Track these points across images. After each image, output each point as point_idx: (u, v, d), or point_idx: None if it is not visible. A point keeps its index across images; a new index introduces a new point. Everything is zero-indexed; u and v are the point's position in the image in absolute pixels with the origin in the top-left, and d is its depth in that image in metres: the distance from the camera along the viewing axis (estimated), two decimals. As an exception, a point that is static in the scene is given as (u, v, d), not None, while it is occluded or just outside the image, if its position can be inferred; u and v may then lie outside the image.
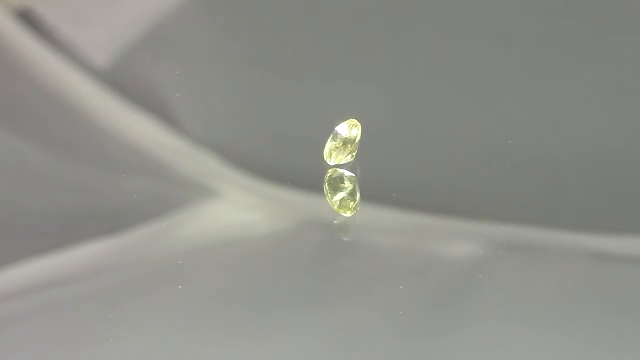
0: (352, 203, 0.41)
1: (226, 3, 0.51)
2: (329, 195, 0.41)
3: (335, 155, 0.42)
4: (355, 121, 0.42)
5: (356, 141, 0.42)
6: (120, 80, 0.47)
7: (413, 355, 0.38)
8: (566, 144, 0.44)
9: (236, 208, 0.43)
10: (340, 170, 0.42)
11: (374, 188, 0.42)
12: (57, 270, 0.41)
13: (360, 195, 0.41)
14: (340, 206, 0.41)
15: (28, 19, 0.49)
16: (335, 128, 0.42)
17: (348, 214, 0.41)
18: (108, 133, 0.45)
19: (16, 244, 0.41)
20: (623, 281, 0.40)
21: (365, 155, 0.43)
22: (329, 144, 0.42)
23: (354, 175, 0.42)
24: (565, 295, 0.39)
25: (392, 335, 0.38)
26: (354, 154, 0.42)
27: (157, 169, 0.44)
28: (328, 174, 0.42)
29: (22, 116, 0.46)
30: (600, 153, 0.44)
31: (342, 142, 0.42)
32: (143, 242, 0.42)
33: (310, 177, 0.43)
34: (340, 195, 0.41)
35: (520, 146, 0.44)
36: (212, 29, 0.50)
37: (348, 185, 0.41)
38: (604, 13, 0.49)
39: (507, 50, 0.48)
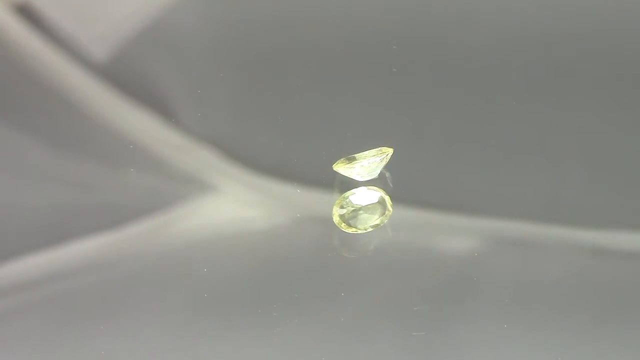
0: (349, 222, 0.41)
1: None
2: (338, 204, 0.41)
3: (340, 163, 0.42)
4: (385, 149, 0.42)
5: (368, 163, 0.42)
6: (119, 74, 0.47)
7: (412, 350, 0.38)
8: (566, 138, 0.44)
9: (235, 203, 0.43)
10: (372, 193, 0.41)
11: (373, 184, 0.42)
12: (55, 265, 0.41)
13: (377, 223, 0.41)
14: (338, 216, 0.41)
15: (27, 13, 0.49)
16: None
17: (347, 230, 0.41)
18: (107, 128, 0.45)
19: (14, 239, 0.41)
20: (622, 276, 0.40)
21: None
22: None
23: (376, 201, 0.41)
24: (564, 290, 0.39)
25: (391, 330, 0.38)
26: (362, 174, 0.42)
27: (156, 163, 0.44)
28: (354, 190, 0.41)
29: (20, 111, 0.46)
30: (600, 150, 0.44)
31: (351, 158, 0.42)
32: (141, 237, 0.42)
33: (309, 173, 0.43)
34: (343, 210, 0.41)
35: (521, 141, 0.44)
36: (211, 23, 0.50)
37: (360, 205, 0.41)
38: None
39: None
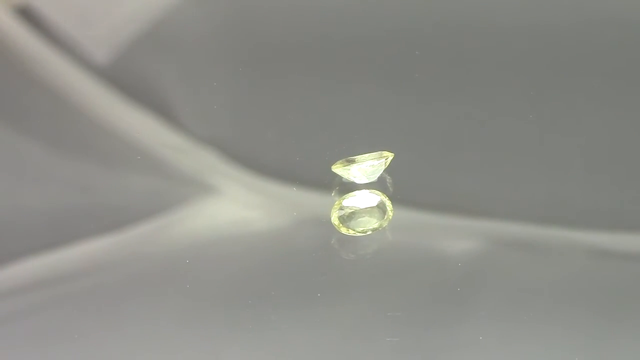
0: (348, 224, 0.41)
1: (226, -1, 0.51)
2: (337, 206, 0.41)
3: (338, 164, 0.42)
4: (385, 153, 0.42)
5: (366, 166, 0.42)
6: (121, 77, 0.47)
7: (412, 350, 0.38)
8: (566, 139, 0.44)
9: (236, 205, 0.43)
10: (372, 196, 0.41)
11: (374, 188, 0.42)
12: (56, 267, 0.41)
13: (376, 226, 0.41)
14: (337, 218, 0.41)
15: (28, 15, 0.49)
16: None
17: (346, 233, 0.41)
18: (108, 130, 0.45)
19: (16, 241, 0.41)
20: (622, 278, 0.40)
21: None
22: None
23: (375, 205, 0.41)
24: (565, 291, 0.39)
25: (391, 331, 0.38)
26: (359, 176, 0.42)
27: (157, 165, 0.44)
28: (352, 193, 0.41)
29: (21, 113, 0.46)
30: (600, 151, 0.44)
31: (350, 160, 0.42)
32: (143, 239, 0.42)
33: (310, 175, 0.43)
34: (342, 212, 0.41)
35: (521, 143, 0.44)
36: (212, 25, 0.50)
37: (359, 208, 0.41)
38: None
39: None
